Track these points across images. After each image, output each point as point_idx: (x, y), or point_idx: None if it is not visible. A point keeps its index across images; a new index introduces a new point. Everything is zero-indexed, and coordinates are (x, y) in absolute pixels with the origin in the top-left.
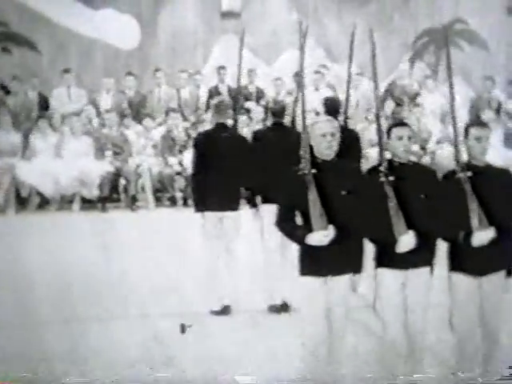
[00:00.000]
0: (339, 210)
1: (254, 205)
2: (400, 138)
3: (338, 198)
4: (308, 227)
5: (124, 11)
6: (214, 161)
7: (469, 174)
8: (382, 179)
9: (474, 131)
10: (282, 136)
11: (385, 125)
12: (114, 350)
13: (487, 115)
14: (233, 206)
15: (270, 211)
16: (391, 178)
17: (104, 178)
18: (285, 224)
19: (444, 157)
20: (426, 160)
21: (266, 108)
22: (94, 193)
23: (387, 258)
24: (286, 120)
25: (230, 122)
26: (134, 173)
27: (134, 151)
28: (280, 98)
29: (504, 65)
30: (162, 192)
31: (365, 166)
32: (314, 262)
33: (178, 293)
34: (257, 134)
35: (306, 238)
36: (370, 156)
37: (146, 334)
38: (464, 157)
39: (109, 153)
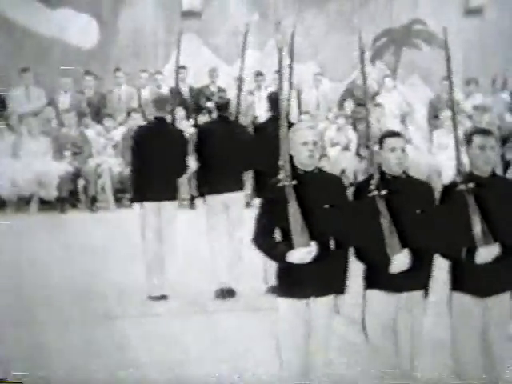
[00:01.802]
0: (322, 225)
1: (201, 194)
2: (393, 150)
3: (321, 211)
4: (288, 243)
5: (83, 11)
6: (152, 153)
7: (471, 185)
8: (375, 193)
9: (477, 139)
10: (226, 129)
11: (346, 124)
12: (74, 352)
13: (445, 115)
14: (171, 196)
15: (216, 200)
16: (384, 192)
17: (63, 179)
18: (262, 240)
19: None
20: None
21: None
22: (52, 193)
23: (379, 278)
24: (231, 114)
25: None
26: (94, 173)
27: (94, 151)
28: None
29: (461, 65)
30: (123, 192)
31: (327, 166)
32: (294, 283)
33: (139, 293)
34: (201, 126)
35: (286, 256)
36: (332, 156)
37: (106, 336)
38: (466, 167)
39: (68, 153)
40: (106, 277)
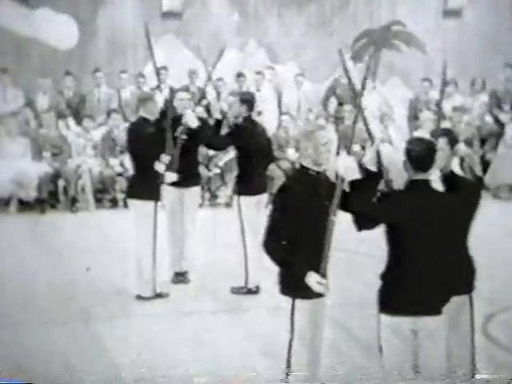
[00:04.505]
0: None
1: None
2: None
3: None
4: (303, 260)
5: (61, 11)
6: (140, 152)
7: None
8: None
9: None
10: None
11: (326, 125)
12: (57, 353)
13: (425, 116)
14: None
15: (190, 191)
16: None
17: (42, 180)
18: (276, 247)
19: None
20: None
21: (208, 108)
22: (31, 194)
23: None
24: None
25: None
26: (74, 174)
27: (73, 152)
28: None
29: (440, 66)
30: (103, 193)
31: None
32: (303, 285)
33: (120, 295)
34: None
35: (305, 275)
36: None
37: (87, 338)
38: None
39: (47, 154)
40: (85, 277)
